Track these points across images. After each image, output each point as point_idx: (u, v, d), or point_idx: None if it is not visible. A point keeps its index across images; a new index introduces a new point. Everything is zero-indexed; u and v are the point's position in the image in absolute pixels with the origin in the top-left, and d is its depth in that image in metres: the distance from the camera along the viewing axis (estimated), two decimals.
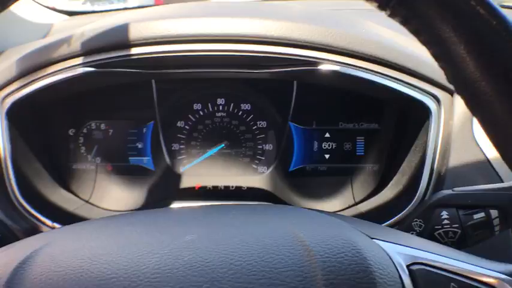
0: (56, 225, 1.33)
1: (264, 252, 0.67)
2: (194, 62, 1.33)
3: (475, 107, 0.59)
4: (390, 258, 0.69)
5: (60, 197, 1.47)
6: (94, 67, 1.27)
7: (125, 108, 1.57)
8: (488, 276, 0.69)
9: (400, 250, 0.72)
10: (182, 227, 0.80)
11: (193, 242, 0.70)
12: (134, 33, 1.24)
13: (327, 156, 1.59)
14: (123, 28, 1.24)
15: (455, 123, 1.28)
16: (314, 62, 1.27)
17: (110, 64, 1.27)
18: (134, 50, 1.24)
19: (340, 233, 0.73)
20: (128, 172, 1.59)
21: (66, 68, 1.28)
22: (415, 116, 1.36)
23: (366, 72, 1.27)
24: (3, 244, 1.00)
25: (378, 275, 0.64)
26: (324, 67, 1.27)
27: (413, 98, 1.27)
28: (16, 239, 1.01)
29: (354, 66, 1.26)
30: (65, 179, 1.55)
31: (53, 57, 1.28)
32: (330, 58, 1.26)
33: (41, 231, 1.34)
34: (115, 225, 0.84)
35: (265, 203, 1.47)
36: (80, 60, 1.27)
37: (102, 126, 1.58)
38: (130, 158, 1.58)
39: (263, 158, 1.57)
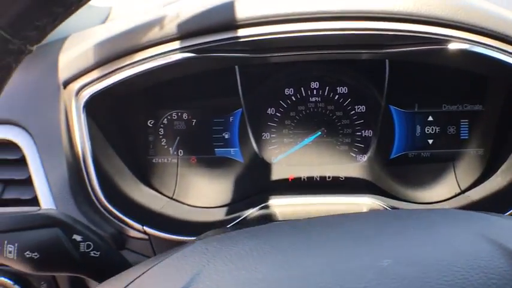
0: (146, 228, 1.19)
1: (480, 276, 0.53)
2: (305, 43, 1.16)
3: None
4: None
5: (143, 195, 1.33)
6: (194, 52, 1.10)
7: (208, 97, 1.41)
8: None
9: None
10: (361, 246, 0.64)
11: (393, 270, 0.55)
12: (240, 13, 1.07)
13: (430, 141, 1.42)
14: (227, 8, 1.07)
15: None
16: (443, 41, 1.10)
17: (211, 49, 1.10)
18: (241, 32, 1.08)
19: None
20: (213, 165, 1.44)
21: (159, 54, 1.12)
22: None
23: (498, 52, 1.10)
24: (98, 258, 0.86)
25: None
26: (453, 46, 1.10)
27: None
28: (110, 249, 0.87)
29: (485, 45, 1.10)
30: (146, 175, 1.41)
31: (141, 43, 1.12)
32: (461, 36, 1.09)
33: (128, 236, 1.20)
34: (272, 246, 0.65)
35: (371, 195, 1.31)
36: (175, 44, 1.10)
37: (184, 115, 1.42)
38: (216, 149, 1.43)
39: (362, 146, 1.41)
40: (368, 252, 0.60)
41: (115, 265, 0.89)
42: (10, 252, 0.82)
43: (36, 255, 0.82)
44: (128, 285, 0.60)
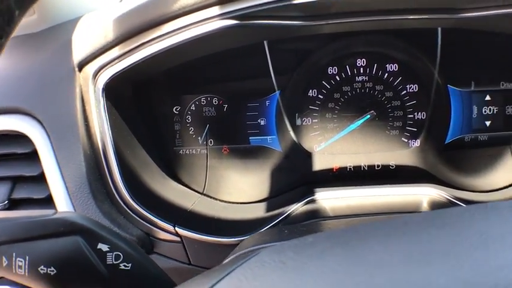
0: (178, 229, 1.00)
1: None
2: (367, 7, 0.97)
3: None
4: None
5: (172, 191, 1.15)
6: (236, 19, 0.91)
7: (241, 79, 1.22)
8: None
9: None
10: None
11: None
12: None
13: (487, 123, 1.22)
14: None
15: None
16: None
17: (255, 15, 0.91)
18: None
19: None
20: (248, 155, 1.24)
21: (194, 22, 0.92)
22: None
23: None
24: (130, 272, 0.66)
25: None
26: None
27: None
28: (145, 259, 0.67)
29: None
30: (172, 168, 1.22)
31: (172, 10, 0.92)
32: None
33: (157, 238, 1.02)
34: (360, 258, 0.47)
35: (427, 185, 1.12)
36: (214, 11, 0.91)
37: (214, 100, 1.22)
38: (250, 137, 1.23)
39: (414, 129, 1.21)
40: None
41: (150, 277, 0.70)
42: (20, 267, 0.63)
43: (52, 271, 0.63)
44: None
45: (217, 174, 1.23)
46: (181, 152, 1.24)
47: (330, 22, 0.98)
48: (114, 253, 0.66)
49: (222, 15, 0.90)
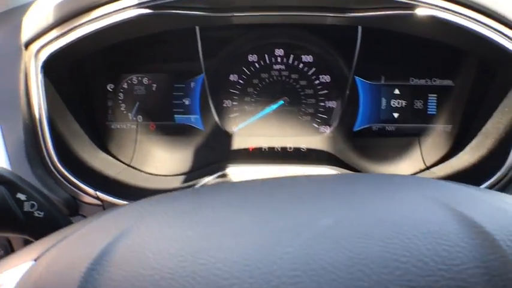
0: (99, 193, 1.22)
1: (430, 242, 0.52)
2: (265, 3, 1.21)
3: None
4: None
5: (100, 161, 1.36)
6: (150, 9, 1.13)
7: (169, 60, 1.44)
8: None
9: None
10: (301, 205, 0.64)
11: (332, 229, 0.55)
12: None
13: (395, 115, 1.47)
14: None
15: None
16: (409, 5, 1.15)
17: (169, 5, 1.13)
18: None
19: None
20: (173, 132, 1.47)
21: (114, 10, 1.14)
22: (506, 72, 1.25)
23: (467, 20, 1.15)
24: (43, 219, 0.88)
25: None
26: (420, 11, 1.15)
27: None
28: (55, 209, 0.89)
29: (453, 11, 1.14)
30: (103, 141, 1.44)
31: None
32: (429, 1, 1.14)
33: (82, 202, 1.23)
34: (207, 205, 0.67)
35: (333, 167, 1.36)
36: (132, 0, 1.13)
37: (145, 80, 1.45)
38: (176, 116, 1.46)
39: (325, 117, 1.45)
40: (308, 211, 0.61)
41: (59, 225, 0.91)
42: None
43: None
44: (56, 244, 0.62)
45: (144, 149, 1.45)
46: (112, 126, 1.46)
47: (235, 14, 1.21)
48: (30, 202, 0.88)
49: (138, 5, 1.13)
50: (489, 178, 1.20)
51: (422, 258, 0.50)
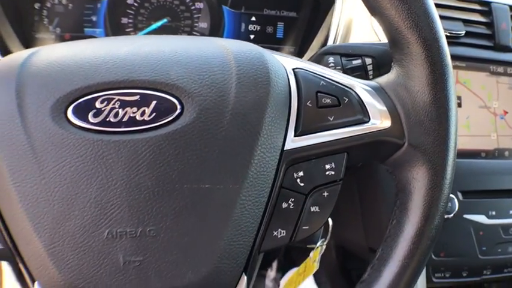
0: None
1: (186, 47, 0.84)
2: None
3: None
4: (281, 63, 0.90)
5: None
6: None
7: None
8: (347, 79, 0.91)
9: (287, 60, 0.93)
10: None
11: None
12: None
13: (251, 36, 2.01)
14: None
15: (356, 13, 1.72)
16: None
17: None
18: None
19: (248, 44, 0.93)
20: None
21: None
22: (326, 3, 1.80)
23: None
24: None
25: (272, 71, 0.85)
26: None
27: None
28: None
29: None
30: (28, 45, 1.91)
31: None
32: None
33: None
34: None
35: None
36: None
37: (64, 1, 1.92)
38: (85, 29, 1.94)
39: (198, 34, 1.98)
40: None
41: None
42: None
43: None
44: None
45: None
46: (36, 36, 1.93)
47: None
48: None
49: None
50: None
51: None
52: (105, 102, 0.76)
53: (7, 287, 1.47)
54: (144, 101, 0.76)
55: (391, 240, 0.87)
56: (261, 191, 0.78)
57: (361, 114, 0.86)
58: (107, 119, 0.76)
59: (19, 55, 0.82)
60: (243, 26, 1.97)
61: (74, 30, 1.93)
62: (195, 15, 1.92)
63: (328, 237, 1.45)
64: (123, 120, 0.76)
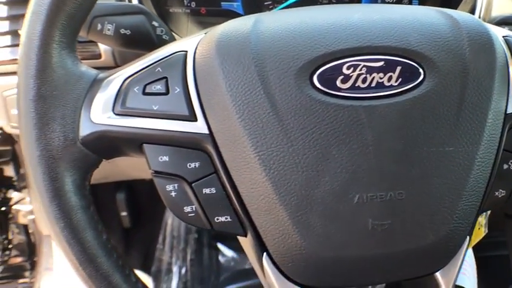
0: None
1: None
2: None
3: None
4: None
5: None
6: None
7: None
8: None
9: (495, 28, 0.92)
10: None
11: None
12: None
13: None
14: None
15: None
16: None
17: None
18: None
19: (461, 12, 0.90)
20: (219, 15, 1.94)
21: None
22: None
23: None
24: (168, 40, 1.29)
25: (494, 38, 0.85)
26: None
27: None
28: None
29: None
30: (164, 21, 1.92)
31: None
32: None
33: None
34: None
35: None
36: None
37: None
38: (222, 2, 1.94)
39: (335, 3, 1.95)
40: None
41: None
42: (109, 29, 1.12)
43: (128, 32, 1.15)
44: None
45: (195, 28, 1.96)
46: (170, 10, 1.95)
47: None
48: (160, 28, 1.37)
49: None
50: None
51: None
52: (352, 68, 0.77)
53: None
54: (390, 66, 0.77)
55: None
56: (490, 153, 0.81)
57: None
58: (356, 85, 0.78)
59: (239, 24, 0.86)
60: None
61: (210, 5, 1.92)
62: None
63: None
64: (372, 85, 0.78)
